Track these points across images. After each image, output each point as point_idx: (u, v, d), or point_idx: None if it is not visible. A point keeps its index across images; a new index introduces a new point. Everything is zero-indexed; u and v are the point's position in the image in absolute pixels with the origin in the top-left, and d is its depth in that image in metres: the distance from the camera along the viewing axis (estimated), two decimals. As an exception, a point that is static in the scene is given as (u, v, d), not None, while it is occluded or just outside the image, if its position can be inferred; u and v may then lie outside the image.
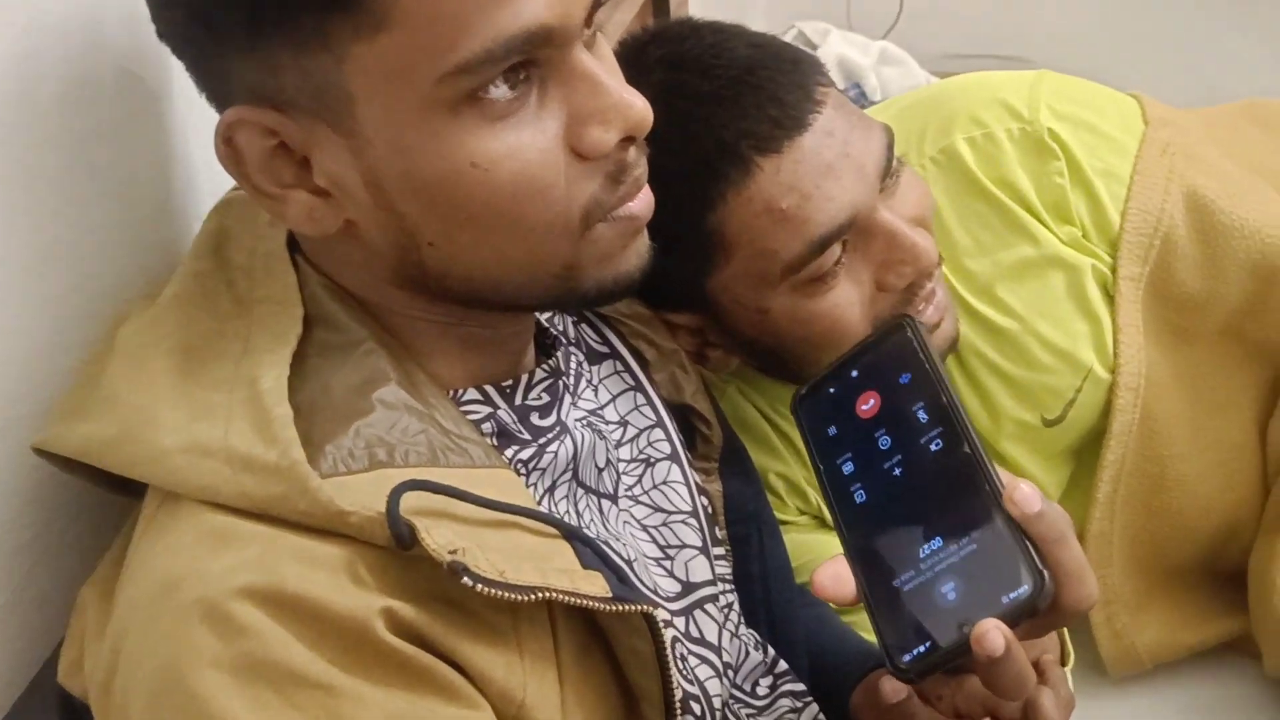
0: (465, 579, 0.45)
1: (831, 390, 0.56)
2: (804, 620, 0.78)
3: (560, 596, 0.49)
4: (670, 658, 0.53)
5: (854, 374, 0.56)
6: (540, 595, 0.48)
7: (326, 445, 0.49)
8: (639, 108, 0.54)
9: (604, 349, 0.74)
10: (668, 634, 0.53)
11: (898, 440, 0.52)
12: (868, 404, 0.54)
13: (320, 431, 0.50)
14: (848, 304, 0.74)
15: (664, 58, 0.73)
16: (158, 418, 0.50)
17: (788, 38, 1.56)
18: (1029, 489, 0.48)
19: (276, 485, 0.47)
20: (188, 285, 0.57)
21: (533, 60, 0.50)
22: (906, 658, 0.48)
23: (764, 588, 0.76)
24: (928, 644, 0.48)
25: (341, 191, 0.53)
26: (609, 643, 0.54)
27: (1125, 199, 0.86)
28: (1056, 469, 0.92)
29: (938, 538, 0.49)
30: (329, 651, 0.45)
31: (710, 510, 0.74)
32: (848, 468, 0.53)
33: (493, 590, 0.46)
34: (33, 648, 0.58)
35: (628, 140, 0.54)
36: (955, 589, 0.48)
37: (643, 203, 0.57)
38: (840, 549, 0.53)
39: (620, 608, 0.51)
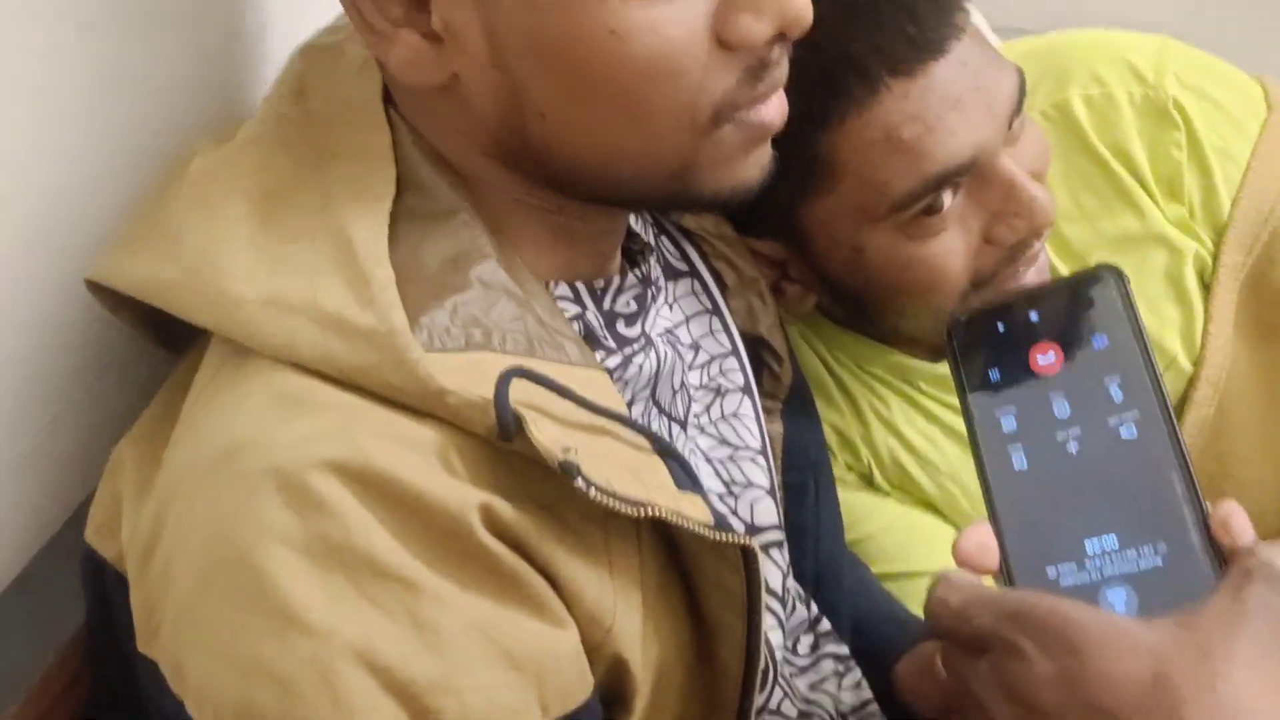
0: (579, 481, 0.41)
1: (1001, 327, 0.50)
2: (849, 582, 0.74)
3: (667, 515, 0.44)
4: (762, 597, 0.48)
5: (1034, 316, 0.49)
6: (648, 512, 0.43)
7: (421, 317, 0.44)
8: (799, 3, 0.49)
9: (683, 266, 0.69)
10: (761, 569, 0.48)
11: (1081, 411, 0.45)
12: (1047, 357, 0.48)
13: (414, 301, 0.44)
14: (951, 253, 0.69)
15: None
16: (233, 265, 0.45)
17: None
18: (1243, 515, 0.42)
19: (369, 353, 0.42)
20: (268, 128, 0.51)
21: None
22: None
23: (815, 540, 0.71)
24: None
25: (455, 40, 0.47)
26: (689, 572, 0.50)
27: (1240, 184, 0.81)
28: None
29: (1112, 535, 0.42)
30: (416, 543, 0.40)
31: (770, 448, 0.69)
32: (1009, 423, 0.47)
33: (604, 498, 0.41)
34: (52, 504, 0.53)
35: (779, 37, 0.49)
36: (1128, 602, 0.42)
37: (776, 110, 0.53)
38: (979, 513, 0.46)
39: (721, 536, 0.46)
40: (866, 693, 0.68)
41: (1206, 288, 0.82)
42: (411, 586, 0.40)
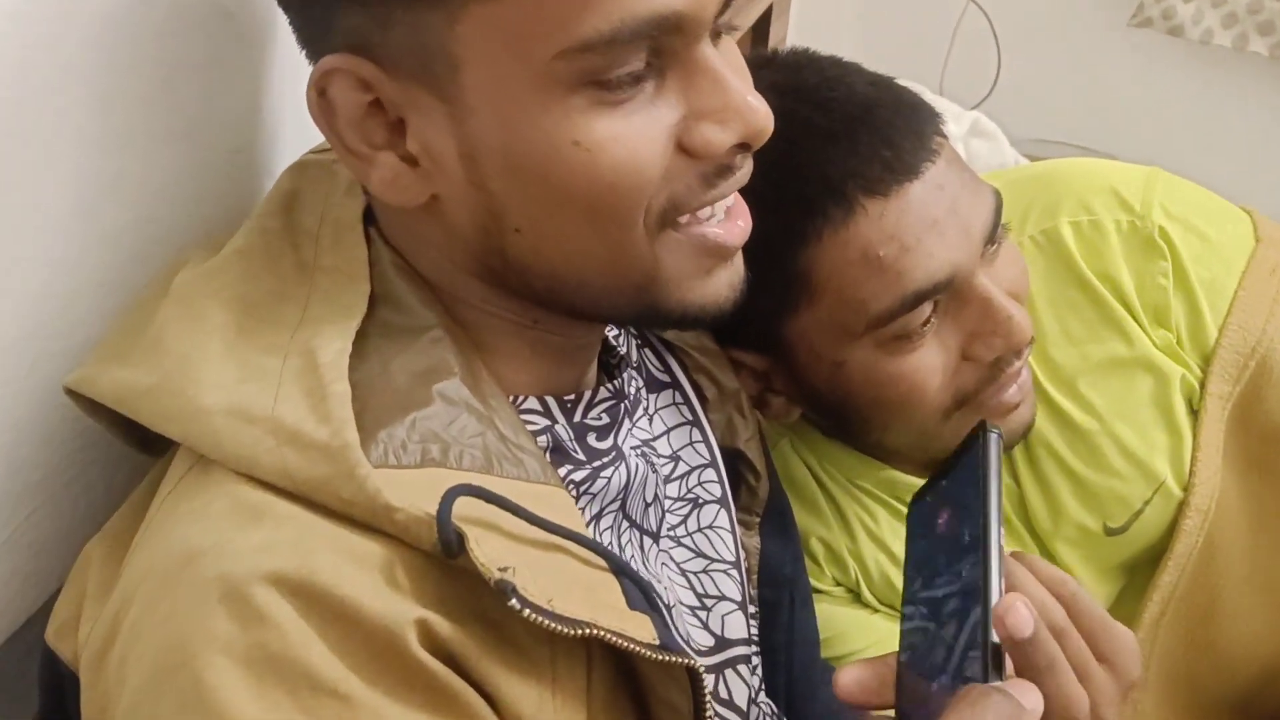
0: (513, 601, 0.41)
1: (927, 499, 0.52)
2: (823, 699, 0.73)
3: (607, 636, 0.44)
4: (710, 715, 0.48)
5: (943, 483, 0.51)
6: (588, 631, 0.44)
7: (379, 431, 0.45)
8: (762, 114, 0.51)
9: (665, 378, 0.70)
10: (707, 689, 0.49)
11: (948, 561, 0.48)
12: (943, 518, 0.50)
13: (373, 416, 0.46)
14: (929, 369, 0.71)
15: (778, 84, 0.69)
16: (202, 373, 0.47)
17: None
18: (1025, 612, 0.44)
19: (322, 466, 0.43)
20: (253, 240, 0.54)
21: (657, 48, 0.48)
22: None
23: (788, 658, 0.71)
24: None
25: (433, 161, 0.49)
26: (640, 689, 0.50)
27: (1226, 314, 0.82)
28: (1109, 582, 0.88)
29: (945, 675, 0.45)
30: (353, 658, 0.41)
31: (747, 563, 0.69)
32: (916, 583, 0.49)
33: (539, 618, 0.42)
34: (21, 596, 0.54)
35: (742, 146, 0.51)
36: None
37: (734, 231, 0.54)
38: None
39: (666, 658, 0.47)
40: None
41: (1195, 413, 0.82)
42: (346, 701, 0.41)
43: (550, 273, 0.52)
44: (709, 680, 0.60)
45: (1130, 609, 0.87)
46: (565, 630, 0.43)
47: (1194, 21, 1.60)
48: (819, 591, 0.83)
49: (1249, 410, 0.82)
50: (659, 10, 0.46)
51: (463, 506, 0.44)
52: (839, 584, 0.85)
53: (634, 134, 0.48)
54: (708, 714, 0.49)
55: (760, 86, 0.69)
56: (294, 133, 0.66)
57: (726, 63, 0.50)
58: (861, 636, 0.82)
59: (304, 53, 0.52)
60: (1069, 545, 0.85)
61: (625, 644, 0.45)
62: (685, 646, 0.54)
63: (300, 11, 0.51)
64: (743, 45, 1.24)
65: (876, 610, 0.84)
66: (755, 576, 0.70)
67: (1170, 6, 1.60)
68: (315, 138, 0.55)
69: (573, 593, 0.45)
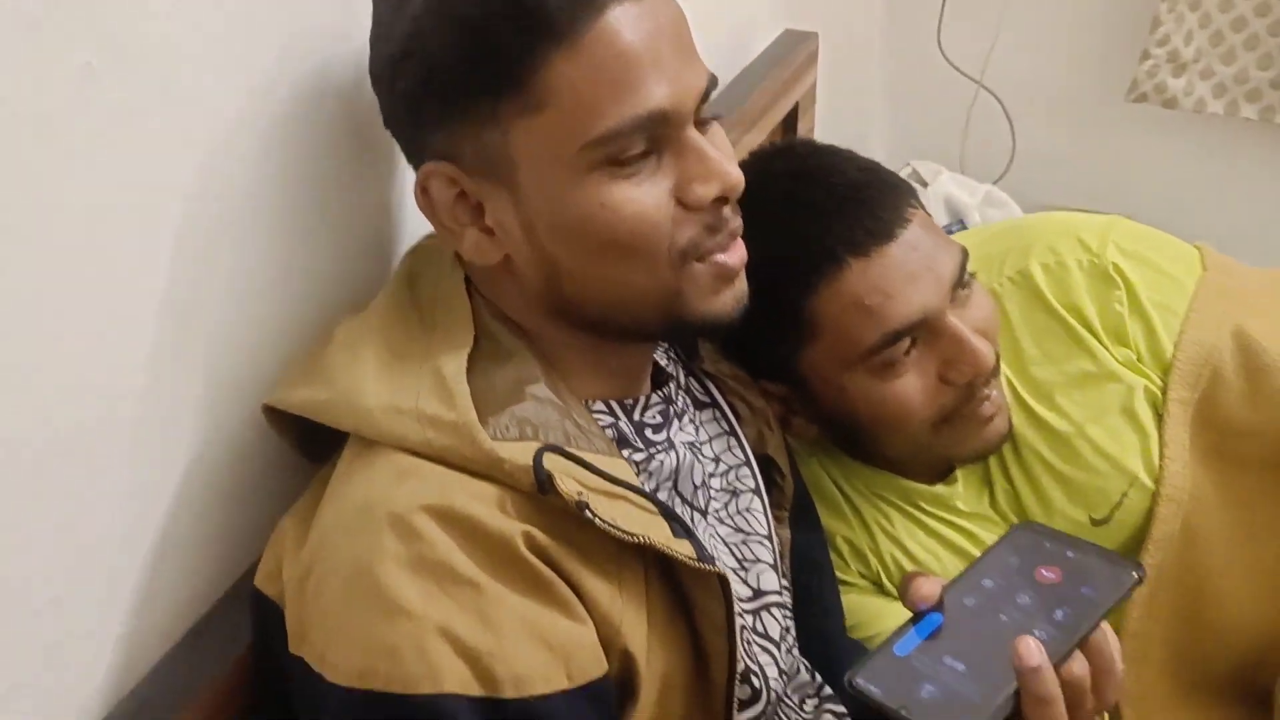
0: (587, 513, 0.59)
1: (1046, 545, 0.70)
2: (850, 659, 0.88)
3: (658, 544, 0.62)
4: (737, 618, 0.65)
5: (1069, 554, 0.69)
6: (642, 539, 0.61)
7: (489, 419, 0.63)
8: (734, 175, 0.68)
9: (707, 399, 0.87)
10: (739, 607, 0.65)
11: (1030, 606, 0.66)
12: (1050, 574, 0.68)
13: (485, 410, 0.64)
14: (913, 391, 0.87)
15: (787, 170, 0.89)
16: (365, 388, 0.65)
17: (903, 174, 1.71)
18: (1035, 644, 0.59)
19: (452, 438, 0.61)
20: (388, 304, 0.72)
21: (653, 135, 0.65)
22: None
23: (820, 624, 0.87)
24: None
25: (503, 231, 0.68)
26: (687, 605, 0.67)
27: (1180, 331, 0.95)
28: None
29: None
30: (480, 559, 0.59)
31: (780, 549, 0.86)
32: (993, 581, 0.67)
33: (606, 527, 0.59)
34: (230, 566, 0.73)
35: (722, 200, 0.68)
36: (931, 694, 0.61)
37: (735, 255, 0.71)
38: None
39: (702, 566, 0.64)
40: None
41: (1160, 417, 0.95)
42: (478, 588, 0.58)
43: (598, 303, 0.69)
44: (748, 618, 0.76)
45: (1127, 592, 1.00)
46: (626, 538, 0.60)
47: (1185, 93, 1.74)
48: (846, 584, 0.97)
49: (1209, 411, 0.95)
50: (649, 110, 0.63)
51: (549, 461, 0.61)
52: (863, 576, 0.99)
53: (643, 195, 0.65)
54: (735, 615, 0.65)
55: (774, 172, 0.89)
56: (412, 224, 0.85)
57: (710, 142, 0.67)
58: (884, 620, 0.95)
59: (410, 163, 0.71)
60: (1062, 537, 0.99)
61: (670, 551, 0.62)
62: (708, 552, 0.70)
63: (403, 135, 0.71)
64: (775, 136, 1.44)
65: (896, 599, 0.98)
66: (788, 560, 0.87)
67: (1162, 81, 1.74)
68: (424, 227, 0.74)
69: (631, 519, 0.62)
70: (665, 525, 0.65)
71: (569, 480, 0.61)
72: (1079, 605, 0.65)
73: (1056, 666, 0.61)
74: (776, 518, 0.87)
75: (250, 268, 0.72)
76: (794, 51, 1.48)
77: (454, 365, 0.66)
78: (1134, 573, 0.67)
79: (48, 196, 0.57)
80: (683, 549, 0.63)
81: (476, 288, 0.73)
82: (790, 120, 1.49)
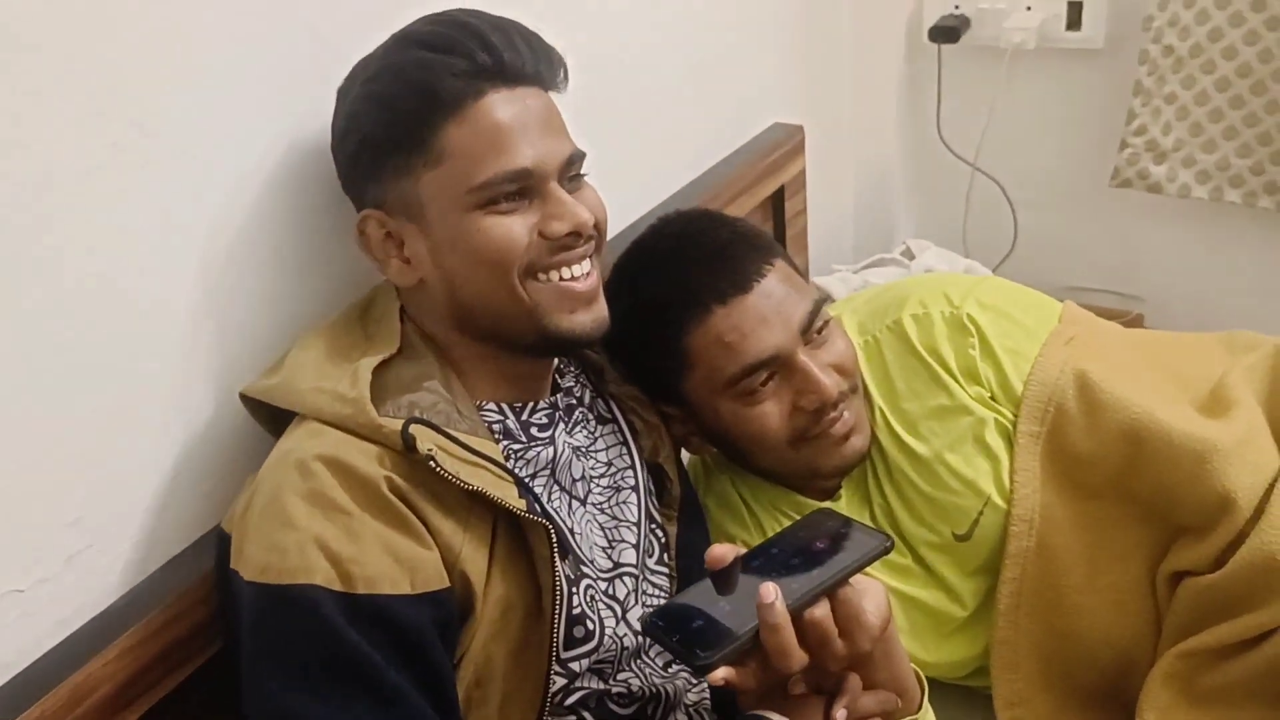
0: (432, 464, 0.81)
1: (828, 525, 0.90)
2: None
3: (489, 493, 0.83)
4: (557, 558, 0.85)
5: (845, 531, 0.88)
6: (476, 487, 0.82)
7: (388, 400, 0.86)
8: (583, 216, 0.90)
9: (609, 416, 1.08)
10: (597, 574, 0.88)
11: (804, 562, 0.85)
12: (821, 543, 0.87)
13: (385, 395, 0.86)
14: (770, 414, 1.06)
15: (674, 231, 1.11)
16: (304, 375, 0.89)
17: (896, 251, 1.88)
18: (772, 587, 0.79)
19: (351, 409, 0.84)
20: (341, 319, 0.97)
21: (522, 186, 0.88)
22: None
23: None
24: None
25: (418, 259, 0.91)
26: (530, 553, 0.87)
27: (1029, 373, 1.11)
28: (975, 581, 1.14)
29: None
30: (355, 494, 0.81)
31: (665, 541, 1.05)
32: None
33: (449, 476, 0.81)
34: (200, 519, 0.98)
35: (574, 234, 0.90)
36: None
37: (582, 282, 0.92)
38: None
39: (530, 517, 0.85)
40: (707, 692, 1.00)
41: (1012, 445, 1.10)
42: (350, 514, 0.80)
43: (482, 314, 0.90)
44: (602, 584, 0.96)
45: (992, 602, 1.12)
46: (464, 485, 0.81)
47: (1169, 179, 1.84)
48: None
49: (1058, 442, 1.09)
50: (517, 167, 0.87)
51: (418, 431, 0.83)
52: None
53: (510, 225, 0.88)
54: (556, 557, 0.85)
55: (667, 233, 1.11)
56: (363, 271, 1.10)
57: (569, 194, 0.90)
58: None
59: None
60: (933, 551, 1.14)
61: (501, 500, 0.83)
62: (547, 512, 0.90)
63: (350, 191, 0.95)
64: (756, 216, 1.65)
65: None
66: (673, 550, 1.06)
67: (1144, 168, 1.86)
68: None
69: (478, 478, 0.83)
70: (514, 489, 0.87)
71: (426, 443, 0.83)
72: (829, 565, 0.83)
73: (800, 609, 0.80)
74: (665, 516, 1.06)
75: (251, 294, 0.97)
76: (781, 141, 1.69)
77: (369, 362, 0.89)
78: (884, 544, 0.85)
79: (83, 238, 0.83)
80: (516, 502, 0.85)
81: (406, 310, 0.96)
82: (777, 199, 1.70)
